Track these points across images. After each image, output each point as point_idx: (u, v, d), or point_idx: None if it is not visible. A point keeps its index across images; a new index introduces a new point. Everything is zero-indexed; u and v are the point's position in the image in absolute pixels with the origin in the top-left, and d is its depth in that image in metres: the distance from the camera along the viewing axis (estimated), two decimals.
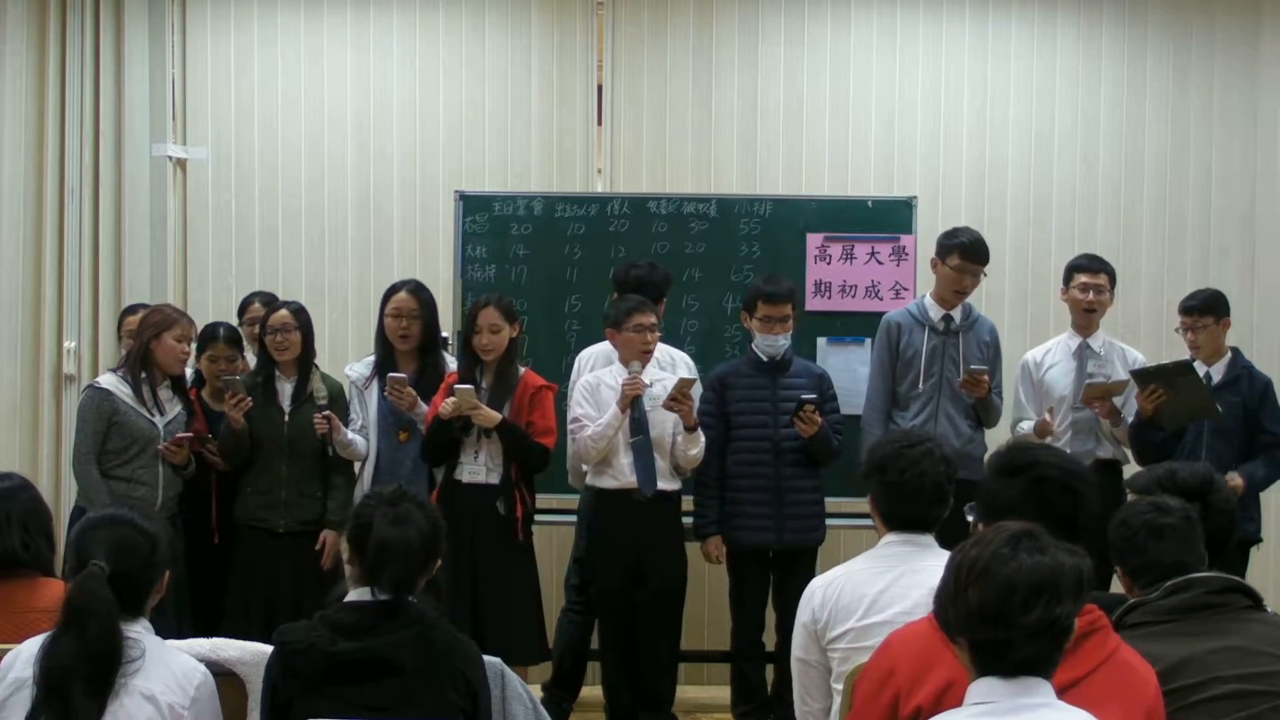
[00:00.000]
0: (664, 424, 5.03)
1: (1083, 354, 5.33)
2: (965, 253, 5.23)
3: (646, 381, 4.99)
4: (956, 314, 5.29)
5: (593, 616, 5.37)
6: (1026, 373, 5.39)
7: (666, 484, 5.07)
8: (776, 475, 5.13)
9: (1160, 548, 2.72)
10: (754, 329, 5.19)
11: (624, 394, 4.93)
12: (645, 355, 5.03)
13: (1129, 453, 5.27)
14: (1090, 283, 5.31)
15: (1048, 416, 5.21)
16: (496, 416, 4.84)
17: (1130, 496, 2.99)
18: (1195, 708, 2.52)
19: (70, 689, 2.50)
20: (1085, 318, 5.34)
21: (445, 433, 4.87)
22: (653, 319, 5.04)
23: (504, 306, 4.98)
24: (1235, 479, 4.87)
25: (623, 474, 5.02)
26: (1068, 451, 4.80)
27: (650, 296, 5.16)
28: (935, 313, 5.28)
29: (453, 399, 4.80)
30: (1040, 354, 5.43)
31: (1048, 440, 5.08)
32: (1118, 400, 5.21)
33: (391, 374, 5.01)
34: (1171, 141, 6.31)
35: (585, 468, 5.15)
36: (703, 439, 5.03)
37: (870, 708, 2.45)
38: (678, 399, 4.93)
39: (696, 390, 5.10)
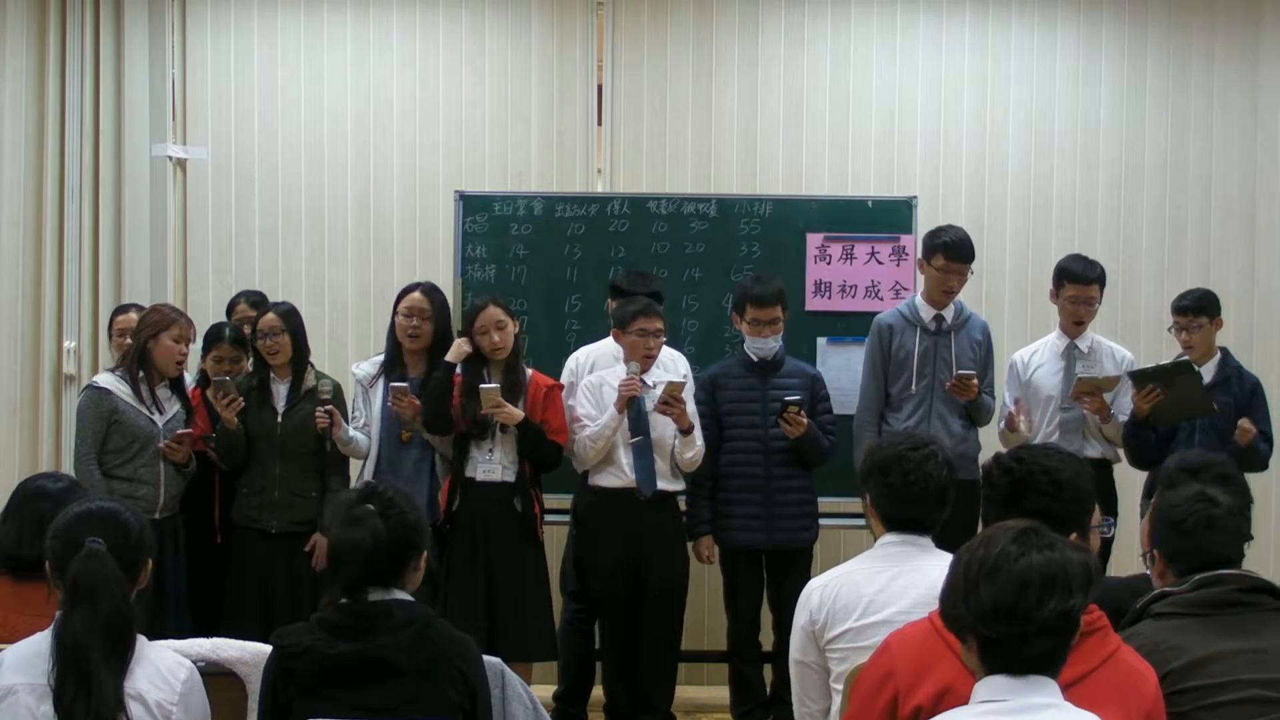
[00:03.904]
0: (665, 425, 5.02)
1: (1070, 354, 5.31)
2: (949, 252, 5.19)
3: (650, 384, 5.00)
4: (948, 313, 5.27)
5: (594, 623, 5.37)
6: (1014, 372, 5.38)
7: (667, 484, 5.06)
8: (767, 475, 5.12)
9: (1210, 539, 2.71)
10: (744, 331, 5.18)
11: (620, 395, 4.94)
12: (647, 360, 5.02)
13: (1119, 451, 5.26)
14: (1080, 295, 5.27)
15: (1014, 409, 5.20)
16: (520, 414, 4.88)
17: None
18: (1213, 710, 2.51)
19: (89, 661, 2.51)
20: (1074, 328, 5.33)
21: (450, 381, 4.91)
22: (658, 325, 5.02)
23: (502, 304, 5.02)
24: (1247, 423, 4.96)
25: (623, 473, 5.02)
26: None
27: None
28: (926, 313, 5.26)
29: (462, 348, 4.88)
30: (1028, 354, 5.42)
31: (1021, 430, 5.12)
32: (1108, 397, 5.19)
33: (394, 384, 5.00)
34: (1171, 141, 6.30)
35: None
36: (699, 441, 5.03)
37: (869, 708, 2.44)
38: (669, 403, 4.92)
39: (689, 392, 5.08)
